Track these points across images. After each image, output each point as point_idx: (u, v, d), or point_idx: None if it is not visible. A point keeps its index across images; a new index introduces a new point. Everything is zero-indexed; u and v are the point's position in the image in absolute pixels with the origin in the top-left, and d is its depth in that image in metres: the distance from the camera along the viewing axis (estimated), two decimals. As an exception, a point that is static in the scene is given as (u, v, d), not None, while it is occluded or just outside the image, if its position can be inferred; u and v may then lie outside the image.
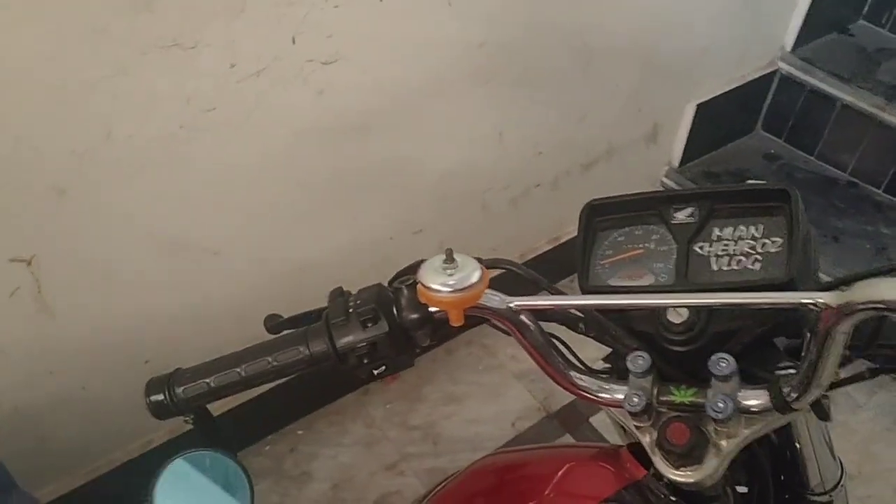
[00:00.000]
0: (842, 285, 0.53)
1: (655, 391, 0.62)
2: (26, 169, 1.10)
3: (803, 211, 0.63)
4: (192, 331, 1.43)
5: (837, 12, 2.18)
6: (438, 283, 0.60)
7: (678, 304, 0.63)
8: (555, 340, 0.68)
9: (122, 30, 1.06)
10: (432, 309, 0.64)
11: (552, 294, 0.69)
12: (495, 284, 0.63)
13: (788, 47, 2.13)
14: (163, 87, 1.15)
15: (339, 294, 0.68)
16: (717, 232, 0.67)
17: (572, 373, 0.67)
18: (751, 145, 2.26)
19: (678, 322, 0.64)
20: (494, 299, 0.64)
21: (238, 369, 0.68)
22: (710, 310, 0.64)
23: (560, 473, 0.75)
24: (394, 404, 1.87)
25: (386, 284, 0.69)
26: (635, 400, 0.61)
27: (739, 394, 0.59)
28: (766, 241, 0.65)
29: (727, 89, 2.06)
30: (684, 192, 0.71)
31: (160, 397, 0.68)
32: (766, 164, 2.19)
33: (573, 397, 0.68)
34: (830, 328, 0.53)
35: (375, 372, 0.68)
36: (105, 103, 1.11)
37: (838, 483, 0.81)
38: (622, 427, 0.73)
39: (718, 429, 0.61)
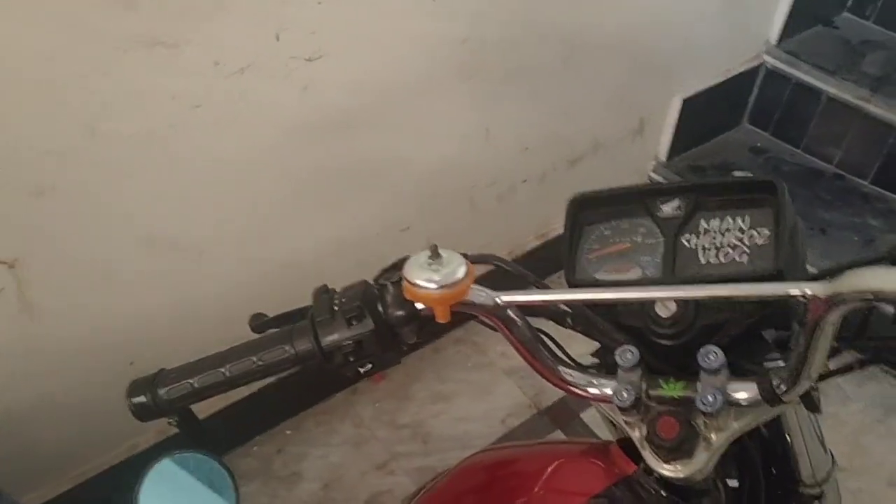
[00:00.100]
0: (830, 276, 0.53)
1: (644, 385, 0.62)
2: (6, 169, 1.09)
3: (790, 202, 0.63)
4: (178, 332, 1.41)
5: (822, 5, 2.18)
6: (424, 280, 0.59)
7: (666, 297, 0.63)
8: (543, 336, 0.67)
9: (104, 27, 1.05)
10: (418, 305, 0.64)
11: (539, 289, 0.68)
12: (482, 281, 0.62)
13: (773, 41, 2.13)
14: (146, 84, 1.14)
15: (323, 292, 0.67)
16: (704, 224, 0.67)
17: (561, 368, 0.67)
18: (737, 139, 2.26)
19: (666, 315, 0.64)
20: (481, 295, 0.63)
21: (222, 369, 0.67)
22: (697, 302, 0.63)
23: (550, 470, 0.74)
24: (382, 403, 1.86)
25: (371, 281, 0.68)
26: (624, 394, 0.61)
27: (729, 387, 0.59)
28: (754, 232, 0.65)
29: (713, 83, 2.07)
30: (670, 185, 0.70)
31: (143, 399, 0.67)
32: (752, 157, 2.20)
33: (564, 393, 0.68)
34: (819, 319, 0.52)
35: (362, 370, 0.67)
36: (87, 101, 1.10)
37: (829, 475, 0.81)
38: (611, 422, 0.72)
39: (708, 422, 0.60)
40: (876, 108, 1.96)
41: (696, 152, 2.21)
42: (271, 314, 0.71)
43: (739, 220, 0.66)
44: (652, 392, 0.62)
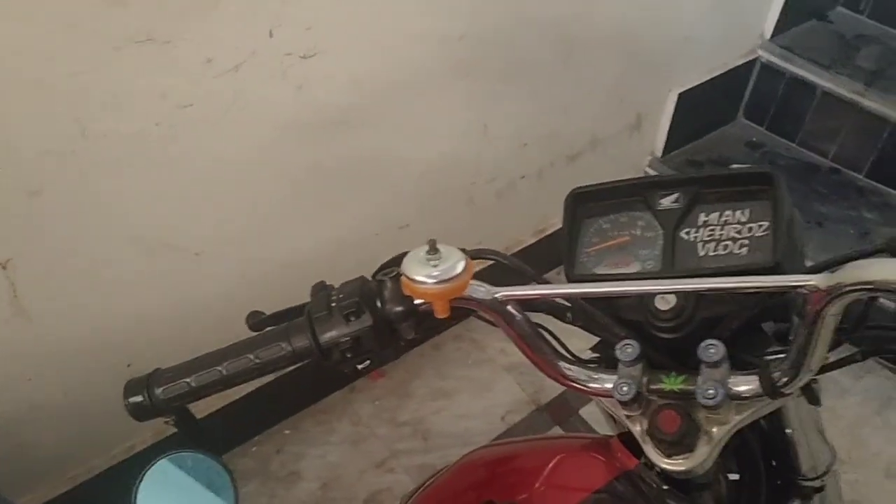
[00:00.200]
0: (828, 268, 0.53)
1: (645, 379, 0.61)
2: (-2, 169, 1.08)
3: (787, 194, 0.63)
4: (175, 332, 1.41)
5: (816, -1, 2.19)
6: (422, 275, 0.59)
7: (665, 291, 0.63)
8: (542, 331, 0.67)
9: (94, 24, 1.04)
10: (417, 301, 0.63)
11: (539, 284, 0.68)
12: (481, 276, 0.62)
13: (768, 35, 2.14)
14: (138, 83, 1.13)
15: (321, 288, 0.67)
16: (703, 217, 0.66)
17: (561, 363, 0.66)
18: (733, 133, 2.27)
19: (666, 309, 0.63)
20: (480, 290, 0.63)
21: (219, 368, 0.66)
22: (697, 296, 0.63)
23: (551, 465, 0.74)
24: (381, 401, 1.86)
25: (369, 277, 0.67)
26: (625, 389, 0.60)
27: (729, 380, 0.59)
28: (753, 225, 0.64)
29: (708, 78, 2.07)
30: (669, 178, 0.70)
31: (139, 398, 0.66)
32: (748, 151, 2.20)
33: (563, 389, 0.68)
34: (820, 311, 0.52)
35: (360, 366, 0.66)
36: (78, 100, 1.09)
37: (830, 468, 0.81)
38: (612, 417, 0.72)
39: (709, 416, 0.60)
40: (870, 103, 1.97)
41: (692, 147, 2.21)
42: (269, 313, 0.70)
43: (739, 213, 0.65)
44: (652, 386, 0.61)
